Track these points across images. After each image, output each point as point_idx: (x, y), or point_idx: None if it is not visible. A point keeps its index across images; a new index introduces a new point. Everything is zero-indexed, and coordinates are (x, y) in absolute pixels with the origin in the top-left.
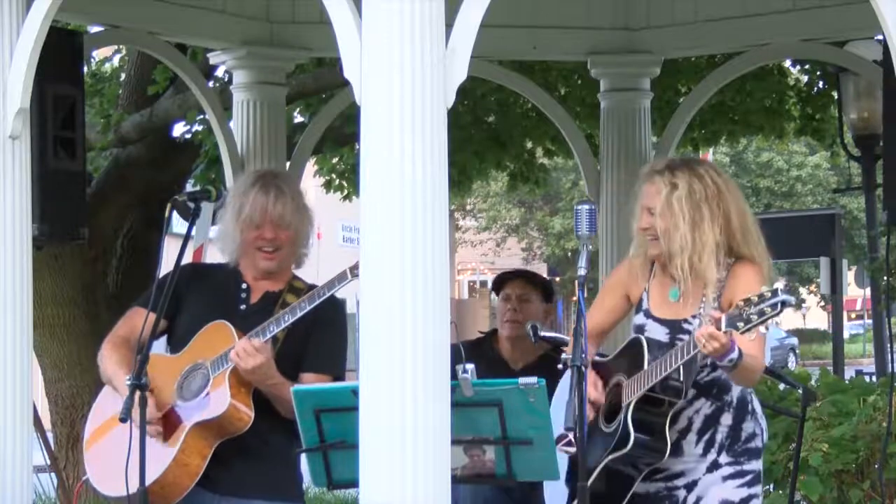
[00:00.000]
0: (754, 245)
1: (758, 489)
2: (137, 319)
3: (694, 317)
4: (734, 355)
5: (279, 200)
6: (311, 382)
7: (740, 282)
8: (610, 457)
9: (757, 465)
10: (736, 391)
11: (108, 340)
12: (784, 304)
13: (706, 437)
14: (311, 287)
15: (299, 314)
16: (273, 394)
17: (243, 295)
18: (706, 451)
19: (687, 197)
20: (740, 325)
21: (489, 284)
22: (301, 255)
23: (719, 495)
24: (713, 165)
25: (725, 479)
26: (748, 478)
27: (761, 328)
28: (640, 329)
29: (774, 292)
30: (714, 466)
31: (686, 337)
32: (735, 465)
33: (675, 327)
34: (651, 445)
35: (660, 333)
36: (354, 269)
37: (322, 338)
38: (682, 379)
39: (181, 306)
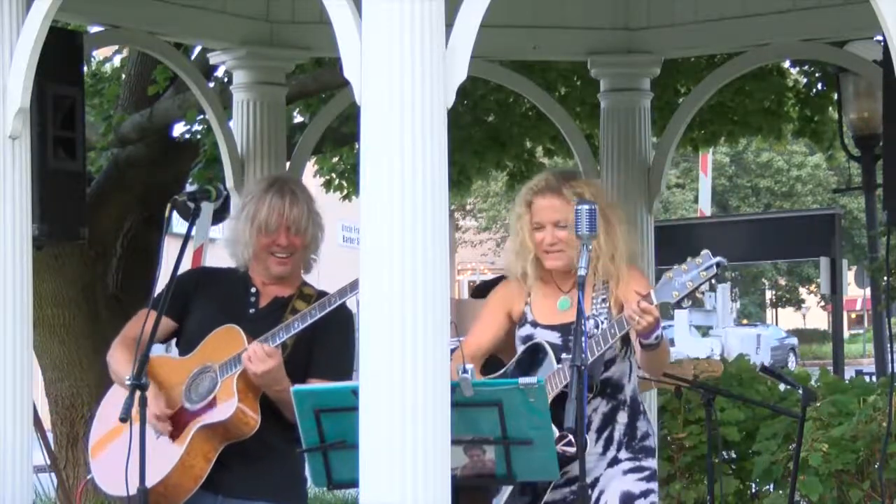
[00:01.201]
0: (632, 246)
1: (655, 485)
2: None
3: (587, 318)
4: (659, 331)
5: (295, 206)
6: None
7: (628, 282)
8: None
9: (653, 462)
10: (628, 390)
11: (117, 341)
12: (719, 265)
13: (605, 434)
14: (321, 293)
15: (309, 321)
16: (281, 399)
17: (252, 299)
18: (606, 449)
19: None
20: (674, 293)
21: None
22: (310, 261)
23: (620, 487)
24: (590, 184)
25: (626, 472)
26: (646, 473)
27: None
28: (528, 339)
29: (706, 256)
30: (614, 462)
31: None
32: (634, 460)
33: (565, 330)
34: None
35: (551, 338)
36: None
37: (330, 344)
38: (590, 374)
39: (190, 308)
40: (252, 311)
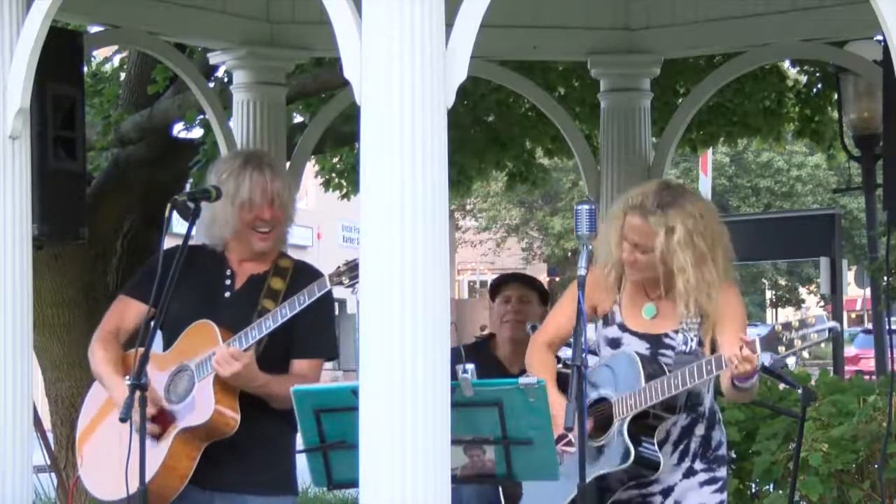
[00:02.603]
0: (727, 270)
1: (725, 496)
2: (125, 309)
3: (676, 332)
4: (756, 378)
5: (276, 179)
6: (305, 370)
7: (724, 300)
8: (609, 471)
9: (724, 472)
10: (707, 401)
11: (96, 337)
12: (831, 331)
13: (681, 447)
14: (299, 264)
15: (280, 321)
16: (262, 393)
17: (228, 281)
18: (681, 460)
19: (686, 240)
20: (781, 349)
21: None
22: (286, 235)
23: (698, 500)
24: (695, 194)
25: (702, 484)
26: (719, 484)
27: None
28: (615, 343)
29: (820, 318)
30: (690, 473)
31: (668, 352)
32: (709, 471)
33: (655, 342)
34: (646, 460)
35: (640, 347)
36: (334, 276)
37: (309, 322)
38: (675, 399)
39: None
40: (228, 294)
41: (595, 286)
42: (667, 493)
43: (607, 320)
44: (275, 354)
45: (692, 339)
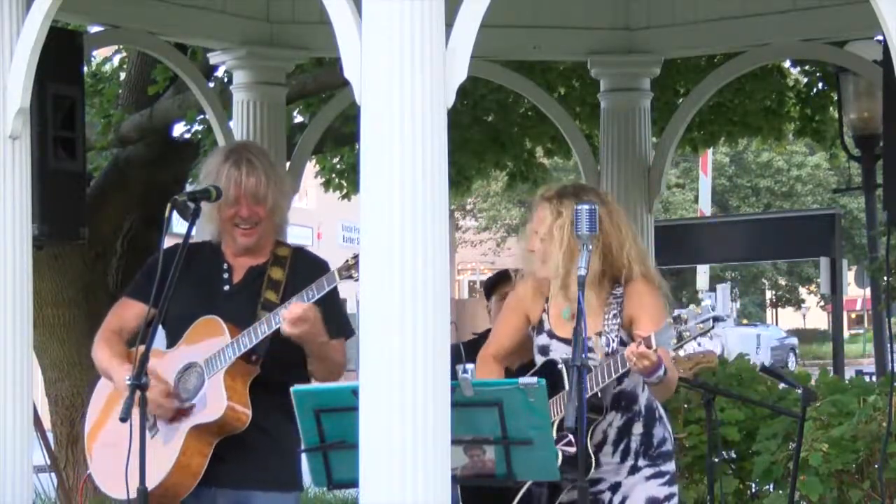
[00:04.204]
0: (642, 262)
1: (675, 489)
2: (125, 311)
3: (599, 334)
4: (660, 372)
5: (251, 175)
6: (336, 346)
7: (639, 299)
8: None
9: (671, 466)
10: (643, 400)
11: (99, 337)
12: (716, 319)
13: (621, 446)
14: (296, 249)
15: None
16: (318, 353)
17: (226, 275)
18: (623, 459)
19: (569, 226)
20: (672, 342)
21: None
22: (281, 225)
23: (645, 492)
24: (600, 194)
25: (648, 479)
26: (667, 477)
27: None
28: (544, 350)
29: (706, 309)
30: (634, 470)
31: (592, 355)
32: (653, 466)
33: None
34: (577, 461)
35: (565, 353)
36: (343, 270)
37: (325, 309)
38: (600, 396)
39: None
40: (227, 287)
41: (525, 296)
42: (615, 488)
43: (538, 329)
44: (288, 345)
45: (614, 341)
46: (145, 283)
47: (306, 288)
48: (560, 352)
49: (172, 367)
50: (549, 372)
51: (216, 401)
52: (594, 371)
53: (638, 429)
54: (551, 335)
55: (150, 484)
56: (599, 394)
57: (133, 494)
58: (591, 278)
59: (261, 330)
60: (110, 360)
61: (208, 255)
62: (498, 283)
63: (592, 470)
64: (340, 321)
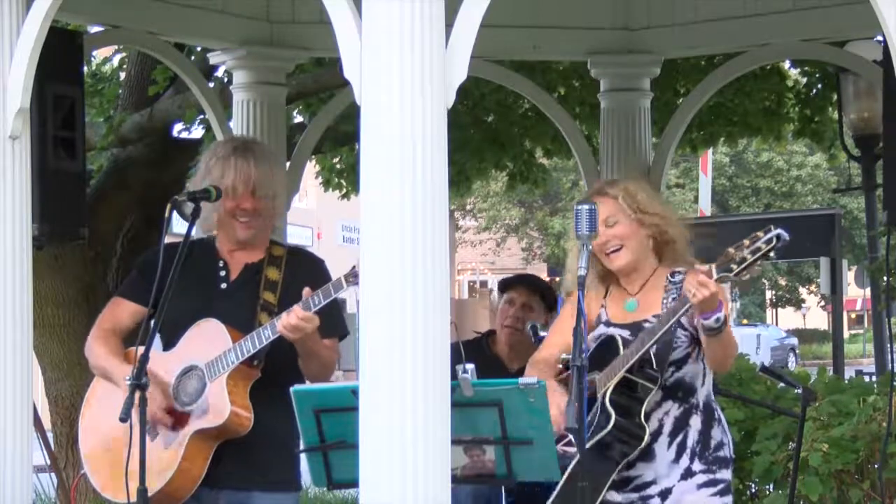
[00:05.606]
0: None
1: (729, 499)
2: (118, 310)
3: (656, 316)
4: (721, 314)
5: (259, 168)
6: (329, 345)
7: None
8: (592, 440)
9: (727, 474)
10: (701, 395)
11: (93, 335)
12: (779, 237)
13: (678, 439)
14: (292, 248)
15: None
16: (312, 351)
17: (222, 273)
18: (678, 456)
19: (642, 194)
20: (734, 266)
21: (489, 284)
22: (278, 224)
23: (695, 503)
24: (628, 187)
25: (700, 486)
26: (721, 486)
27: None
28: (599, 337)
29: (768, 229)
30: (688, 474)
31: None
32: (708, 472)
33: (635, 328)
34: (629, 429)
35: (624, 334)
36: (350, 277)
37: (322, 308)
38: (655, 367)
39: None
40: (224, 285)
41: (586, 299)
42: (665, 495)
43: (596, 324)
44: (287, 346)
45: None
46: (138, 283)
47: (313, 294)
48: (617, 334)
49: (172, 370)
50: (607, 346)
51: (219, 406)
52: (643, 333)
53: (696, 423)
54: (609, 324)
55: (152, 489)
56: (654, 366)
57: (133, 497)
58: (645, 268)
59: (264, 335)
60: (108, 358)
61: (202, 252)
62: (509, 286)
63: (643, 462)
64: (334, 321)
